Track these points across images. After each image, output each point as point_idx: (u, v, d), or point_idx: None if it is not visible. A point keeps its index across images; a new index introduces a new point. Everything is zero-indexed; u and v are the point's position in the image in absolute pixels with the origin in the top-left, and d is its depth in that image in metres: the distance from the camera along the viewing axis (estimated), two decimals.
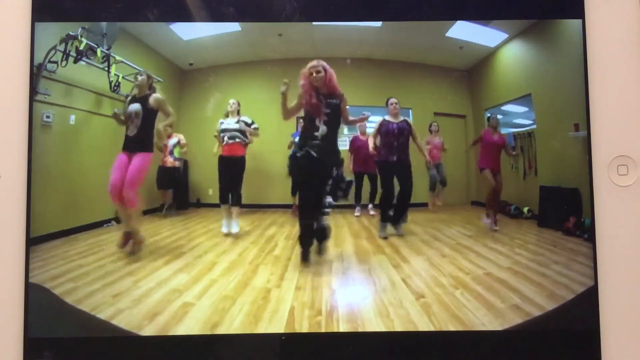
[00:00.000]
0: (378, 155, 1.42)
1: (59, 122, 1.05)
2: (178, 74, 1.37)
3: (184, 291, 1.03)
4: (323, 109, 1.28)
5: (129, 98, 1.26)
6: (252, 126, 1.38)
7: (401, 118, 1.41)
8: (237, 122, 1.37)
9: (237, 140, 1.39)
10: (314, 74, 1.21)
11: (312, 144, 1.29)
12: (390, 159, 1.41)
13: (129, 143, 1.24)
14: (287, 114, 1.29)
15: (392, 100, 1.38)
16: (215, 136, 1.38)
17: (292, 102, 1.28)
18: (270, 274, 1.12)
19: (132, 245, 1.17)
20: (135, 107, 1.25)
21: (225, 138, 1.38)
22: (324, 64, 1.17)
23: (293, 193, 1.38)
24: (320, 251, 1.23)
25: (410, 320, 0.91)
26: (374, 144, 1.42)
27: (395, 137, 1.40)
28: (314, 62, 1.17)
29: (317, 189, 1.29)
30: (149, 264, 1.14)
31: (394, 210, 1.39)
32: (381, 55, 1.31)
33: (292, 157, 1.30)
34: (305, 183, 1.30)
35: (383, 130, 1.41)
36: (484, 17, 0.94)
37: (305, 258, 1.20)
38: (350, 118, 1.33)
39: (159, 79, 1.29)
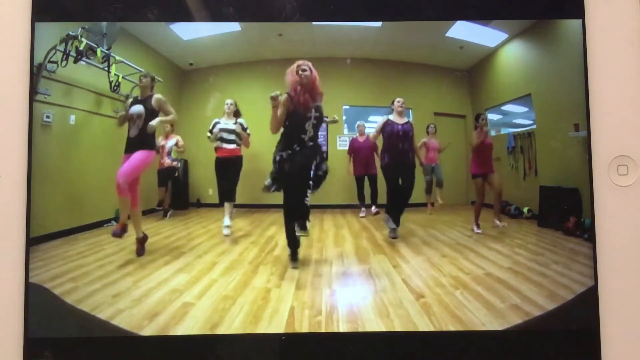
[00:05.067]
0: (382, 159, 1.41)
1: (59, 122, 1.05)
2: (178, 74, 1.37)
3: (184, 291, 1.03)
4: (311, 105, 1.27)
5: (130, 100, 1.26)
6: (247, 131, 1.38)
7: (405, 119, 1.39)
8: (235, 123, 1.37)
9: (234, 144, 1.39)
10: (301, 72, 1.20)
11: (298, 148, 1.28)
12: (394, 161, 1.41)
13: (130, 144, 1.24)
14: (277, 124, 1.26)
15: (399, 99, 1.36)
16: (208, 137, 1.37)
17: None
18: (270, 274, 1.12)
19: (137, 246, 1.19)
20: (138, 109, 1.25)
21: (222, 139, 1.38)
22: (309, 63, 1.18)
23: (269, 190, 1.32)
24: (302, 227, 1.22)
25: (410, 320, 0.91)
26: (374, 138, 1.41)
27: (400, 139, 1.39)
28: (299, 61, 1.18)
29: (301, 190, 1.27)
30: (149, 264, 1.14)
31: (393, 205, 1.38)
32: (381, 55, 1.31)
33: (279, 162, 1.28)
34: (289, 185, 1.28)
35: (387, 130, 1.39)
36: (484, 17, 0.94)
37: (294, 258, 1.19)
38: (325, 119, 1.32)
39: (159, 79, 1.29)
